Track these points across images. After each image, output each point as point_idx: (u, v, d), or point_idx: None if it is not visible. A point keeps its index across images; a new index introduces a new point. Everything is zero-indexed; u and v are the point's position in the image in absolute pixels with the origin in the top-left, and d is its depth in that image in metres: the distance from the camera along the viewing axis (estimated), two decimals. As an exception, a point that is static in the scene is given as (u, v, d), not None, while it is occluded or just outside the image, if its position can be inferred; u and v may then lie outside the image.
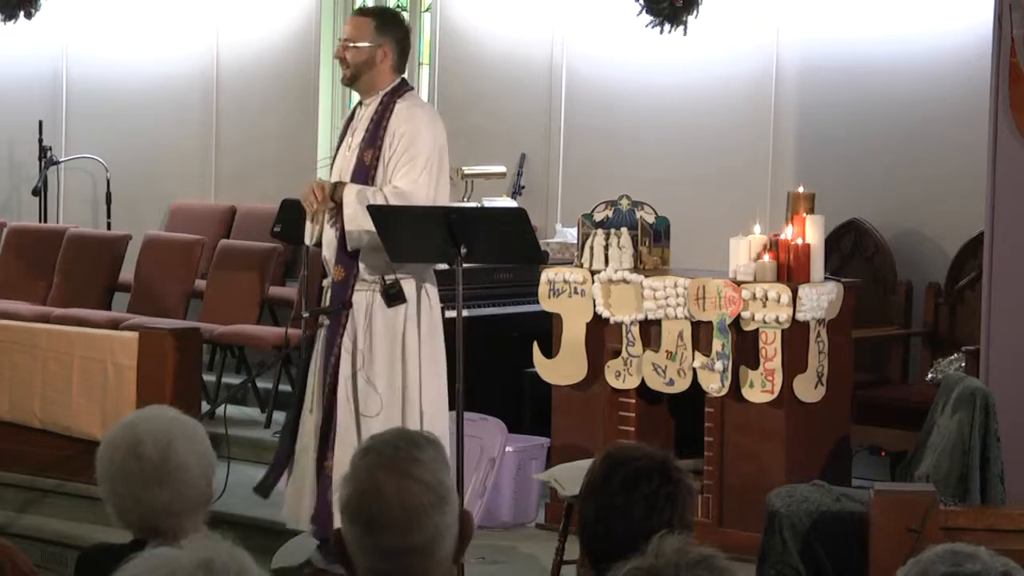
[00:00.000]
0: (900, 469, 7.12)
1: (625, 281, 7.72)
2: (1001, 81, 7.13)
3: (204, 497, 3.58)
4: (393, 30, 7.10)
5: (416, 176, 6.86)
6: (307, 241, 7.12)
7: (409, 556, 2.88)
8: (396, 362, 6.95)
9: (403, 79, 7.13)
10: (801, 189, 7.72)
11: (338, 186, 6.92)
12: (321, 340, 7.06)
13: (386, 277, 6.90)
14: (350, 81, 7.10)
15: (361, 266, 6.94)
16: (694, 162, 9.98)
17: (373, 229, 6.77)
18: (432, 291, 7.05)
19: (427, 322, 7.02)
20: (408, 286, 6.94)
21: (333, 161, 7.21)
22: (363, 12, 7.21)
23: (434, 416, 6.94)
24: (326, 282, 7.07)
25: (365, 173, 6.94)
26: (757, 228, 7.61)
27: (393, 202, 6.81)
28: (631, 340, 7.67)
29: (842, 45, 9.47)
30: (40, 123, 12.31)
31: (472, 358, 7.01)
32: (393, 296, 6.91)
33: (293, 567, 7.21)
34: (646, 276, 7.67)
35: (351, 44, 7.01)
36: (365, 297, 6.95)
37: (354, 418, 6.90)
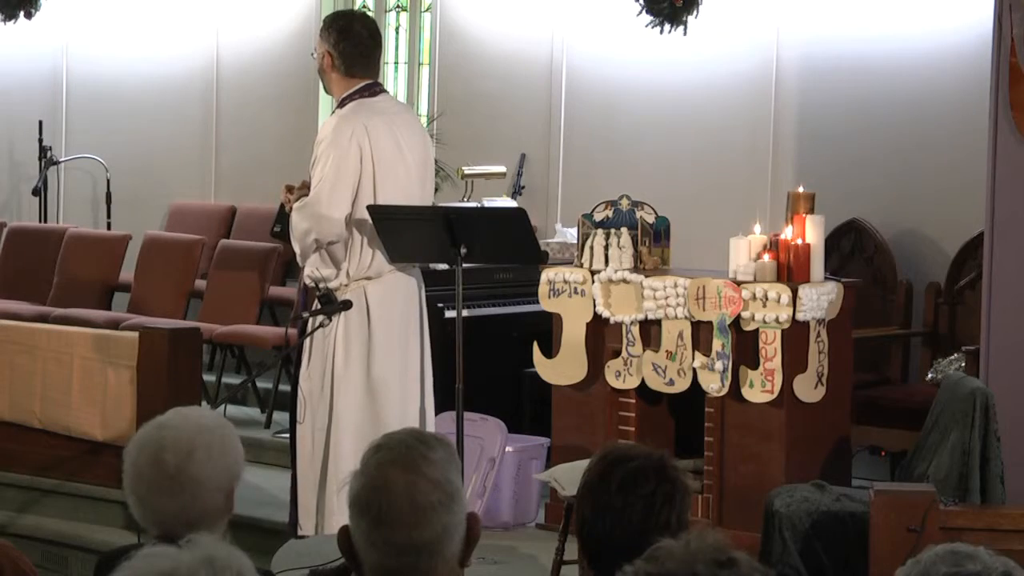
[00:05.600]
0: (900, 469, 7.12)
1: (625, 281, 7.72)
2: (1001, 81, 7.13)
3: (220, 509, 3.59)
4: (328, 34, 7.05)
5: (314, 185, 6.91)
6: None
7: (416, 553, 2.90)
8: (328, 369, 6.99)
9: (365, 84, 7.03)
10: (801, 189, 7.72)
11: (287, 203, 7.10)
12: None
13: (320, 286, 6.96)
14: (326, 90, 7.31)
15: (304, 273, 7.04)
16: (694, 162, 9.99)
17: (293, 244, 6.93)
18: (383, 298, 7.00)
19: (356, 337, 6.97)
20: (348, 296, 6.94)
21: None
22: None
23: (341, 434, 6.97)
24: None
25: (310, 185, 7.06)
26: (757, 228, 7.61)
27: (293, 217, 6.90)
28: (631, 340, 7.67)
29: (842, 45, 9.47)
30: (40, 123, 12.31)
31: (472, 358, 7.01)
32: (324, 303, 6.93)
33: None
34: (646, 276, 7.67)
35: (311, 53, 7.17)
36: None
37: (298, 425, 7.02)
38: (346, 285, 6.95)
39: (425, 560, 2.91)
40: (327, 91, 7.26)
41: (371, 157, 6.89)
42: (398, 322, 7.01)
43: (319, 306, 6.95)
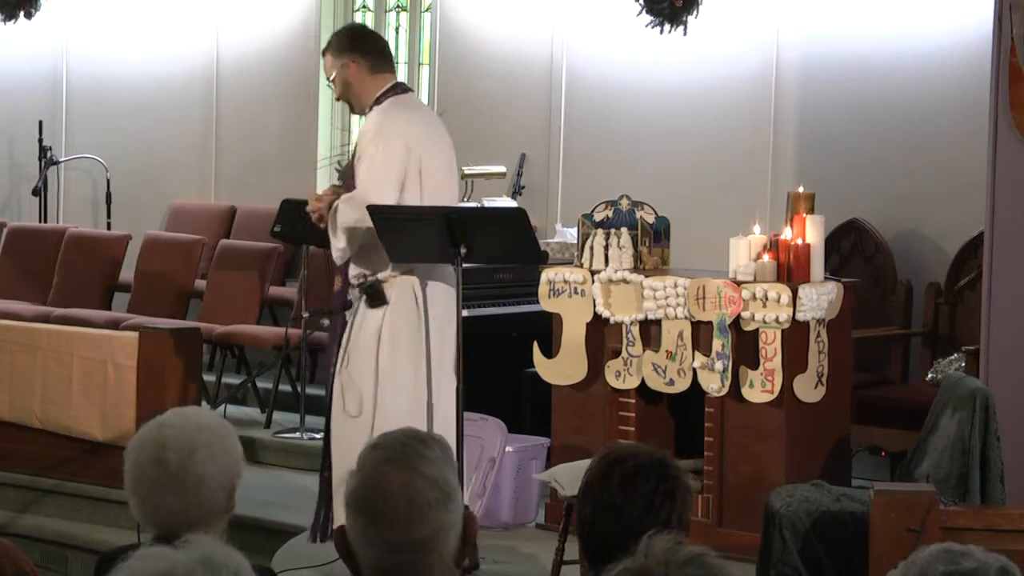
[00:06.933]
0: (900, 469, 7.11)
1: (625, 281, 7.72)
2: (1001, 81, 7.12)
3: (221, 508, 3.61)
4: (345, 43, 7.09)
5: (364, 178, 6.88)
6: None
7: (411, 551, 2.91)
8: (372, 363, 6.95)
9: (394, 84, 7.08)
10: (801, 189, 7.72)
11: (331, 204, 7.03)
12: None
13: (368, 277, 6.93)
14: (353, 109, 7.24)
15: (350, 270, 6.99)
16: (694, 162, 9.99)
17: (336, 241, 6.86)
18: (430, 295, 6.97)
19: (404, 326, 6.95)
20: (395, 289, 6.92)
21: None
22: (322, 51, 7.26)
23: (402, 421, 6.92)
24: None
25: (352, 185, 7.01)
26: (757, 228, 7.61)
27: (341, 210, 6.84)
28: (631, 340, 7.67)
29: (842, 44, 9.47)
30: (40, 123, 12.31)
31: (472, 358, 7.00)
32: (372, 296, 6.91)
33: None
34: (646, 276, 7.66)
35: (329, 80, 7.11)
36: (354, 299, 6.99)
37: (340, 417, 6.94)
38: (394, 277, 6.93)
39: (421, 558, 2.91)
40: (357, 107, 7.13)
41: (415, 150, 6.93)
42: (443, 316, 7.01)
43: (367, 300, 6.92)
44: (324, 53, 7.18)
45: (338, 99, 7.23)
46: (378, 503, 2.90)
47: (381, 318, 6.92)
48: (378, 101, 7.01)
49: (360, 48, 7.06)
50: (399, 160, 6.88)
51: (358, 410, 6.89)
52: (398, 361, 6.92)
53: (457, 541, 2.96)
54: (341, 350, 6.99)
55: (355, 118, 11.72)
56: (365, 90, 7.03)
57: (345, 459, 6.97)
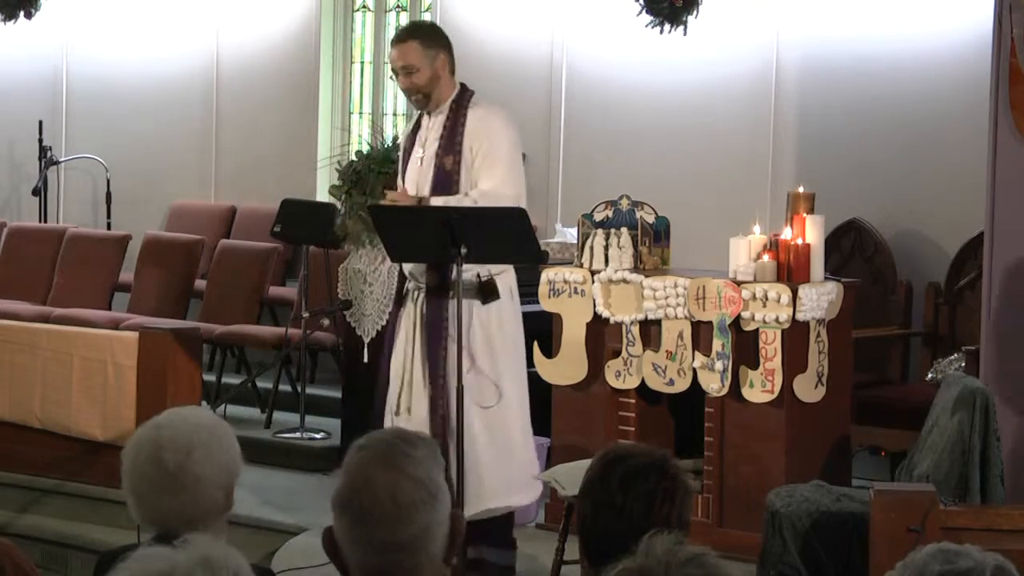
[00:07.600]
0: (900, 469, 7.12)
1: (625, 281, 7.71)
2: (1001, 81, 7.13)
3: (220, 507, 3.62)
4: (439, 39, 7.14)
5: (502, 175, 6.91)
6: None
7: (399, 551, 2.90)
8: (496, 357, 6.98)
9: (463, 84, 7.15)
10: (801, 189, 7.72)
11: (422, 201, 6.94)
12: (416, 336, 7.04)
13: (480, 274, 6.91)
14: (424, 103, 7.11)
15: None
16: (694, 162, 9.99)
17: None
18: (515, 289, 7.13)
19: (512, 318, 7.05)
20: (501, 282, 6.96)
21: (403, 172, 7.19)
22: (403, 38, 7.15)
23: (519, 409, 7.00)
24: (410, 285, 7.09)
25: (448, 179, 6.97)
26: (757, 228, 7.61)
27: (481, 205, 6.86)
28: (631, 340, 7.67)
29: (842, 45, 9.48)
30: (40, 123, 12.32)
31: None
32: (488, 292, 6.93)
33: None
34: (646, 276, 7.66)
35: (413, 70, 7.02)
36: (465, 295, 6.96)
37: (473, 411, 6.91)
38: (501, 273, 6.97)
39: (409, 558, 2.91)
40: (431, 102, 7.04)
41: (518, 147, 7.10)
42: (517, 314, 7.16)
43: (482, 296, 6.92)
44: (402, 40, 7.06)
45: (413, 90, 7.08)
46: (364, 503, 2.89)
47: (496, 312, 6.95)
48: (463, 99, 7.05)
49: (449, 45, 7.14)
50: (518, 155, 7.04)
51: (494, 400, 6.92)
52: (512, 351, 7.02)
53: (445, 540, 2.96)
54: (460, 351, 6.87)
55: (355, 118, 11.74)
56: (446, 86, 7.08)
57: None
